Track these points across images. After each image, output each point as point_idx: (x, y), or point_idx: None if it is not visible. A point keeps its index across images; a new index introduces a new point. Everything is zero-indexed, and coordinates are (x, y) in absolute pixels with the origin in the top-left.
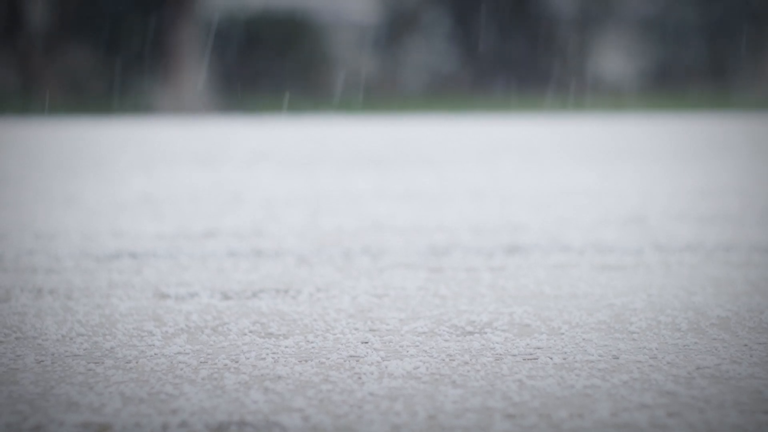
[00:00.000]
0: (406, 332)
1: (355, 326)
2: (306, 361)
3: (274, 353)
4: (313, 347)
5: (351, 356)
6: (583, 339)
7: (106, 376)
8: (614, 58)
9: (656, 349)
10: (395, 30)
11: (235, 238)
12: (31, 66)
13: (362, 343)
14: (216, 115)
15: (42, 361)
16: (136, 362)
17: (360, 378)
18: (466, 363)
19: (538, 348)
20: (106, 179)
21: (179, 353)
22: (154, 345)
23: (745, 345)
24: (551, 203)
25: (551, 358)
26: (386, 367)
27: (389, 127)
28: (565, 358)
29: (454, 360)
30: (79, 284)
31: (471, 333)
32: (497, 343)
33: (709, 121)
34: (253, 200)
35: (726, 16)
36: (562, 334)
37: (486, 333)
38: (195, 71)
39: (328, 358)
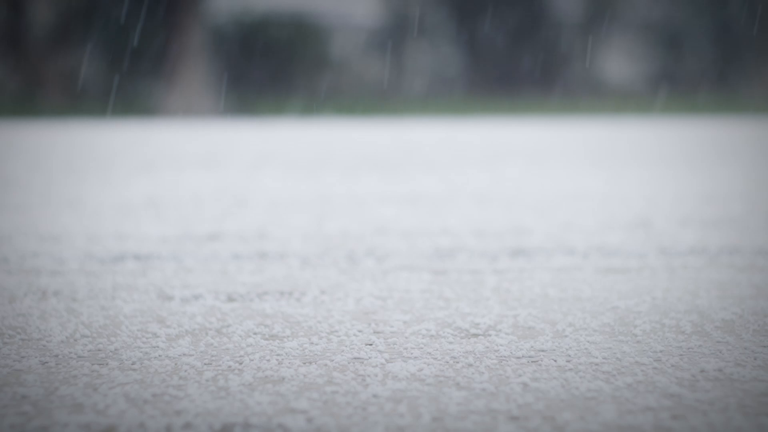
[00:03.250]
0: (411, 334)
1: (360, 328)
2: (310, 362)
3: (278, 355)
4: (317, 349)
5: (355, 358)
6: (588, 342)
7: (110, 377)
8: (619, 61)
9: (660, 351)
10: (400, 33)
11: (240, 240)
12: (35, 68)
13: (366, 345)
14: (220, 118)
15: (46, 362)
16: (141, 364)
17: (364, 380)
18: (471, 365)
19: (542, 350)
20: (110, 182)
21: (183, 355)
22: (158, 347)
23: (749, 348)
24: (555, 207)
25: (555, 361)
26: (390, 369)
27: (394, 130)
28: (569, 361)
29: (458, 362)
30: (84, 286)
31: (475, 335)
32: (501, 345)
33: (714, 126)
34: (257, 203)
35: (732, 20)
36: (566, 336)
37: (490, 335)
38: (200, 74)
39: (332, 360)
